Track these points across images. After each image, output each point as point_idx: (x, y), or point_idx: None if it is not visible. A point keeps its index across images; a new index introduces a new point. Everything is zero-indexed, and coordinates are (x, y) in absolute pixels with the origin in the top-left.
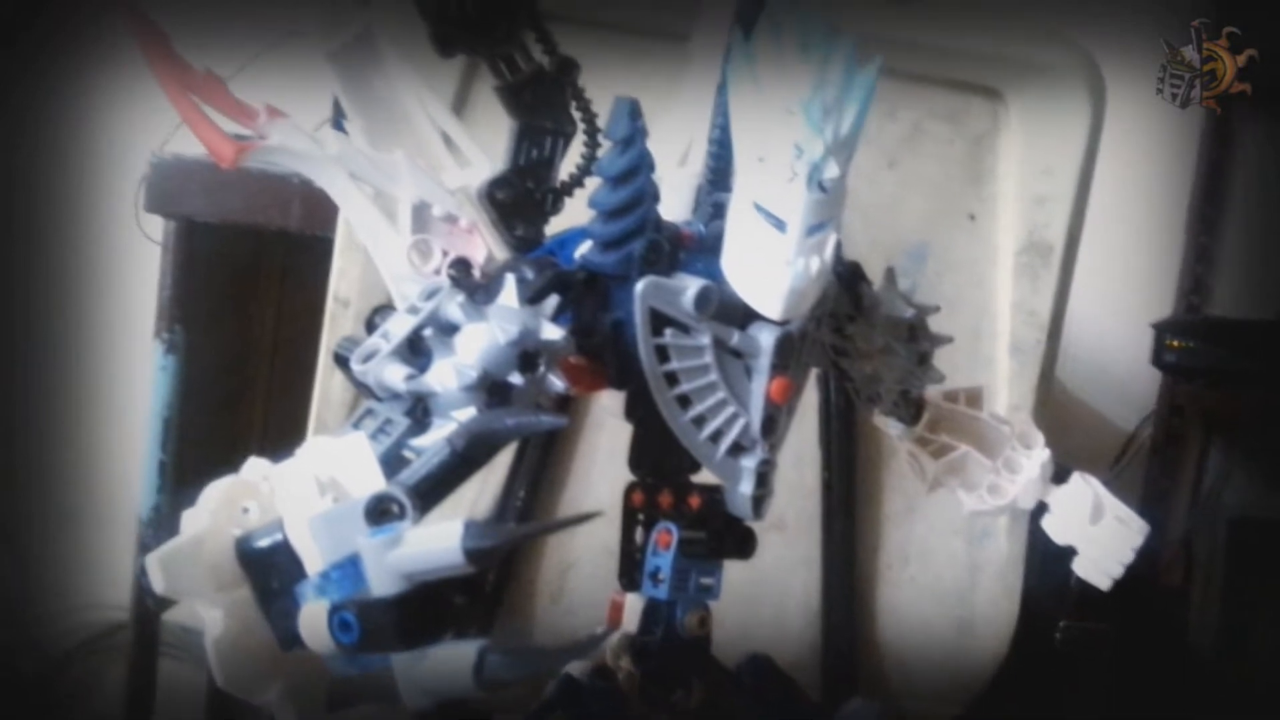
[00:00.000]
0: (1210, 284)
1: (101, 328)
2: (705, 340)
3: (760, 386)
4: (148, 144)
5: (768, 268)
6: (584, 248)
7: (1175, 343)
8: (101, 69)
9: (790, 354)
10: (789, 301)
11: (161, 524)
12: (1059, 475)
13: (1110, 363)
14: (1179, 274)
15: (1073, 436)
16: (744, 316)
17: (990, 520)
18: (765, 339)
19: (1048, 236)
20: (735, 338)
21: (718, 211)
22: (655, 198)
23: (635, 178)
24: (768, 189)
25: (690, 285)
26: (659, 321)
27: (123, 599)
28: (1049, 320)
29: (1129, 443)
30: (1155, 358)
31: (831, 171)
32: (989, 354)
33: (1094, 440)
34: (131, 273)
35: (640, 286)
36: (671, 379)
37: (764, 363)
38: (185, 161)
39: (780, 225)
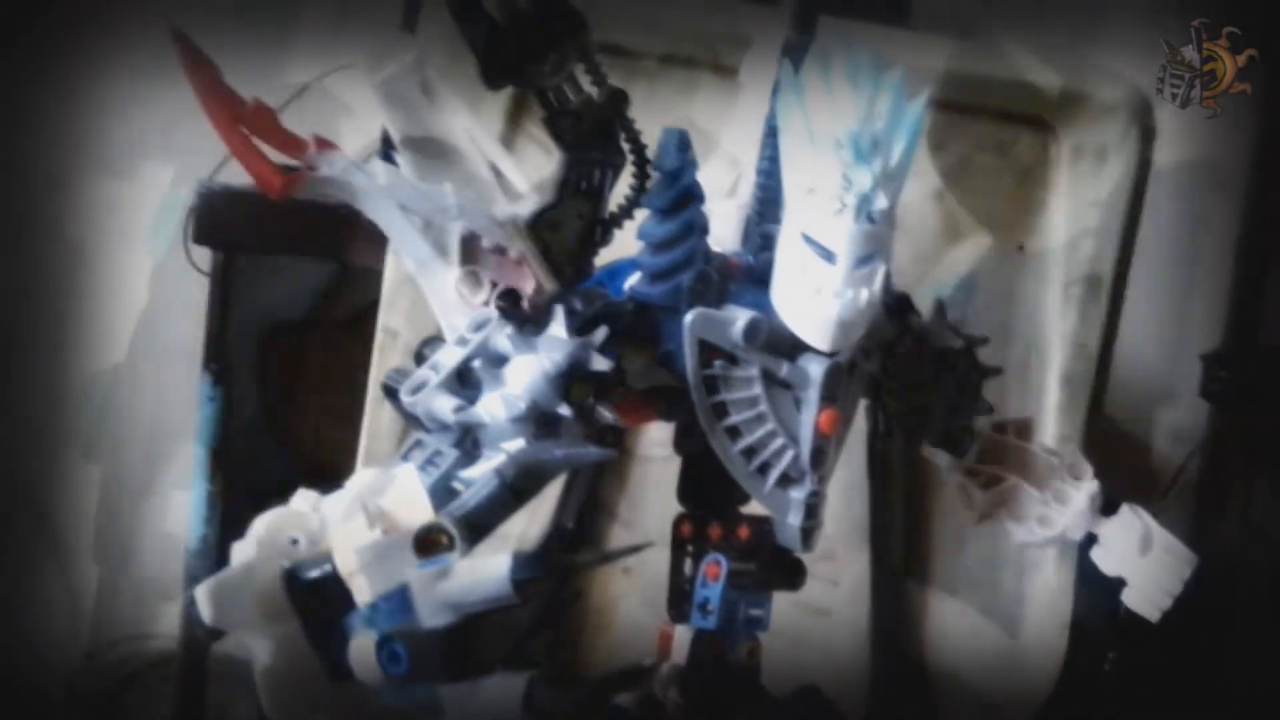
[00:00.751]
0: (1259, 317)
1: (150, 358)
2: (754, 371)
3: (809, 418)
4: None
5: (816, 299)
6: (633, 279)
7: (1223, 374)
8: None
9: (839, 385)
10: (837, 332)
11: (209, 555)
12: (1108, 507)
13: (1159, 394)
14: (1227, 306)
15: (1121, 468)
16: (793, 348)
17: (1039, 551)
18: (814, 370)
19: (1097, 268)
20: (784, 369)
21: (766, 243)
22: (704, 230)
23: (684, 210)
24: (816, 220)
25: (739, 317)
26: (708, 353)
27: (172, 629)
28: (1098, 352)
29: (1177, 474)
30: (1203, 389)
31: (880, 203)
32: (1039, 385)
33: (1143, 472)
34: (180, 302)
35: (689, 318)
36: (721, 410)
37: (813, 395)
38: (233, 192)
39: (829, 256)
